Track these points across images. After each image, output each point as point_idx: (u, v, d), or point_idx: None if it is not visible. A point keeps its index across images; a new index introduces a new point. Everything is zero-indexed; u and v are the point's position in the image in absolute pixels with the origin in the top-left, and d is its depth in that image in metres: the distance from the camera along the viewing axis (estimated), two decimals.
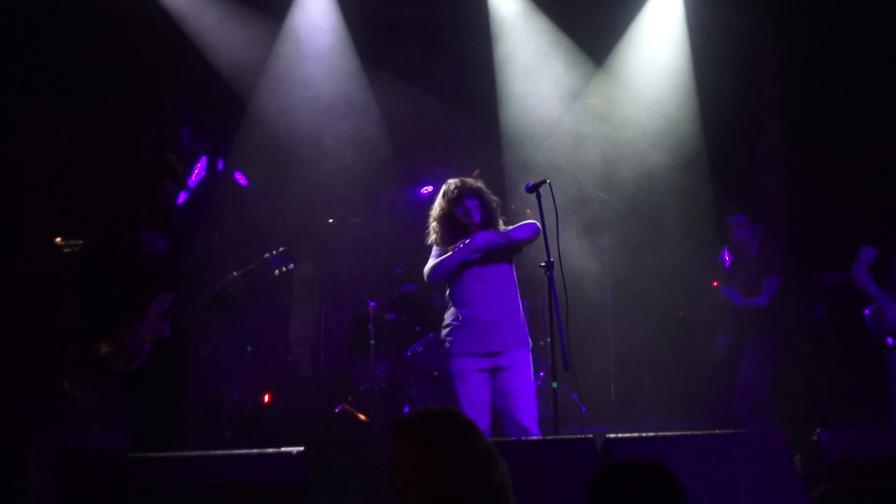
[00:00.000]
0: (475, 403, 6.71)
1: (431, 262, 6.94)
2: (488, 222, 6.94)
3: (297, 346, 11.19)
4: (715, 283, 9.28)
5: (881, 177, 9.31)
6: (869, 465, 5.98)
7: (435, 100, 10.88)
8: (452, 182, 6.96)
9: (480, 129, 10.91)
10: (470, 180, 6.98)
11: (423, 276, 7.00)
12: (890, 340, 7.92)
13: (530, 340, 6.97)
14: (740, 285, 9.08)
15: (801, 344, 9.75)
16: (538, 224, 6.76)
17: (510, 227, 6.95)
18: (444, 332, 6.92)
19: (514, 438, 6.62)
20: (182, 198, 10.33)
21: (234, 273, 7.17)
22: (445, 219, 6.94)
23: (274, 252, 7.50)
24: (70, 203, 9.78)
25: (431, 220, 7.01)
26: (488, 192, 7.00)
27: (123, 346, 6.86)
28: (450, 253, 6.84)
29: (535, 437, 6.57)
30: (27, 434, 4.03)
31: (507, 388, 6.75)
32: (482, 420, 6.67)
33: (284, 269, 7.52)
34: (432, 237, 7.00)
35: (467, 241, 6.78)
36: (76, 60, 9.88)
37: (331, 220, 11.19)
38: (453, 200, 6.89)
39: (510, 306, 6.88)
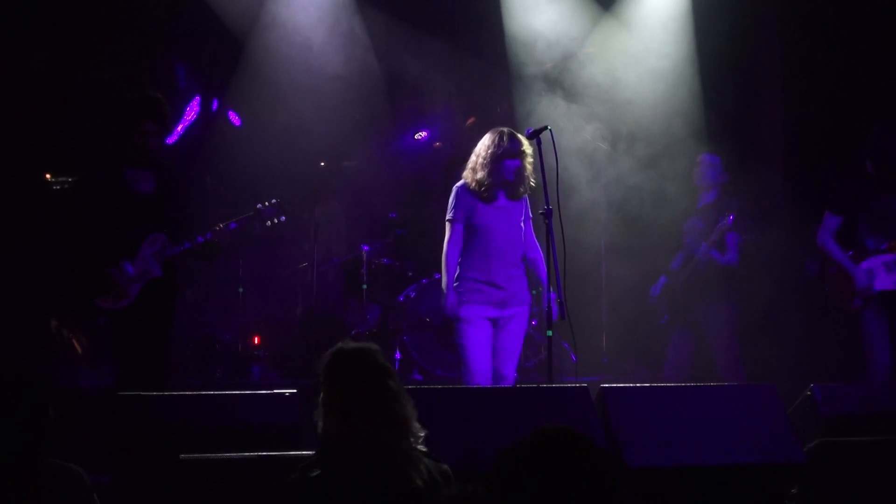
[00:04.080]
0: (483, 348, 6.96)
1: (449, 234, 7.08)
2: (517, 185, 7.04)
3: (288, 289, 11.15)
4: None
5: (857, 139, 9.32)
6: (861, 420, 6.01)
7: (433, 44, 10.78)
8: (507, 133, 6.99)
9: (478, 74, 10.82)
10: (521, 138, 6.99)
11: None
12: (857, 302, 7.92)
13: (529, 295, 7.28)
14: (696, 235, 8.99)
15: (793, 298, 9.73)
16: None
17: None
18: (461, 282, 7.05)
19: (511, 386, 6.86)
20: (173, 137, 10.27)
21: (221, 224, 7.11)
22: (493, 164, 6.96)
23: (266, 203, 7.45)
24: (60, 139, 9.69)
25: (480, 158, 7.03)
26: (529, 154, 7.01)
27: (112, 285, 6.81)
28: (447, 271, 7.03)
29: (527, 385, 6.63)
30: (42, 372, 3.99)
31: (502, 338, 7.06)
32: (487, 364, 6.94)
33: (276, 220, 7.50)
34: (475, 176, 7.02)
35: (453, 302, 7.00)
36: None
37: (322, 164, 11.12)
38: (505, 153, 6.95)
39: (521, 265, 7.17)
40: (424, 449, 3.91)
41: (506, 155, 6.91)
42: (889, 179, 7.84)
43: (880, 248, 7.84)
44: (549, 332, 6.68)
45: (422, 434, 3.91)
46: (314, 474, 3.76)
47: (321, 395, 3.89)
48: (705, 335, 8.94)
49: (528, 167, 7.00)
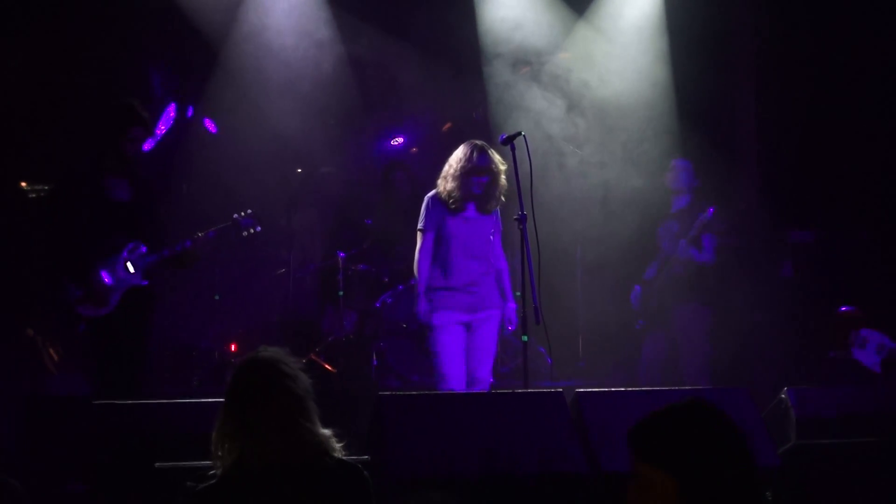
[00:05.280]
0: (456, 353, 7.07)
1: (420, 243, 7.22)
2: (486, 200, 7.15)
3: (265, 296, 11.13)
4: None
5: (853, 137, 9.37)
6: (835, 422, 6.05)
7: (408, 50, 10.80)
8: (478, 149, 7.09)
9: (454, 81, 10.83)
10: (492, 155, 7.09)
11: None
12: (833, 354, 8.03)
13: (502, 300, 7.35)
14: (672, 237, 8.98)
15: (767, 301, 9.78)
16: None
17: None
18: (431, 291, 7.17)
19: (486, 391, 6.91)
20: (149, 145, 10.24)
21: (200, 233, 7.11)
22: (462, 178, 7.07)
23: (242, 213, 7.45)
24: (36, 147, 9.65)
25: (451, 169, 7.13)
26: (502, 171, 7.09)
27: (94, 293, 6.79)
28: (419, 279, 7.19)
29: (501, 391, 6.66)
30: None
31: (475, 341, 7.17)
32: (461, 369, 7.05)
33: (252, 230, 7.50)
34: (446, 186, 7.14)
35: (425, 309, 7.13)
36: (45, 2, 9.71)
37: (299, 171, 11.11)
38: (474, 169, 7.05)
39: (490, 272, 7.26)
40: (340, 455, 3.71)
41: (473, 171, 7.03)
42: None
43: None
44: (525, 338, 6.75)
45: (333, 441, 3.71)
46: (212, 491, 3.60)
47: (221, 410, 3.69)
48: (678, 337, 8.94)
49: (502, 182, 7.10)
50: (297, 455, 3.60)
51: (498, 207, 7.25)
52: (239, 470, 3.58)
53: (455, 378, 6.96)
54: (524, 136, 6.81)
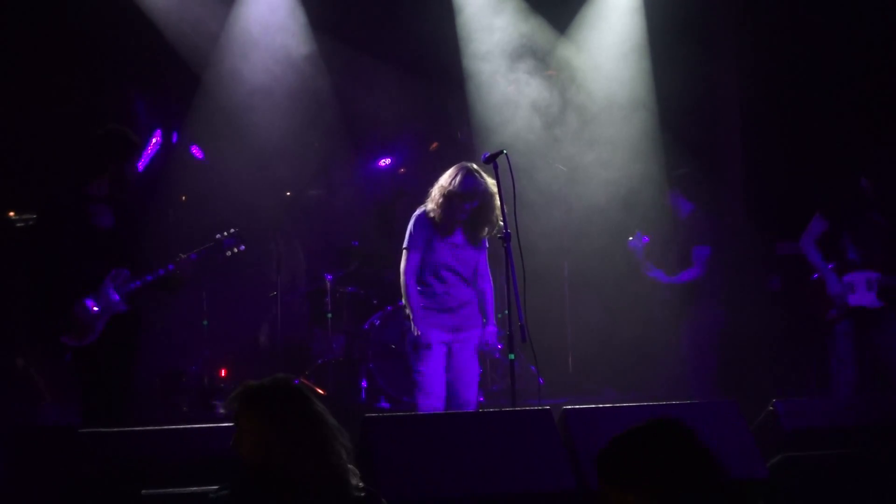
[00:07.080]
0: (440, 373, 7.00)
1: (405, 262, 7.10)
2: (474, 227, 7.08)
3: (254, 320, 11.13)
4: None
5: (838, 148, 9.41)
6: (824, 434, 6.05)
7: (393, 72, 10.83)
8: (465, 172, 6.97)
9: (439, 100, 10.85)
10: (481, 180, 6.96)
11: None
12: (833, 312, 8.05)
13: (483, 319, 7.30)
14: (673, 253, 9.01)
15: (756, 314, 9.79)
16: None
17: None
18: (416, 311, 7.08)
19: (473, 411, 6.91)
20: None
21: (182, 255, 7.10)
22: (447, 201, 6.98)
23: (225, 233, 7.42)
24: (22, 176, 9.64)
25: (437, 191, 7.03)
26: (493, 197, 6.93)
27: (77, 322, 6.77)
28: (411, 302, 7.03)
29: (488, 410, 6.67)
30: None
31: (457, 364, 7.09)
32: (442, 387, 7.00)
33: (236, 250, 7.47)
34: (430, 206, 7.05)
35: (418, 333, 6.98)
36: (28, 30, 9.72)
37: (288, 194, 11.12)
38: (458, 193, 6.93)
39: (472, 291, 7.21)
40: (355, 482, 3.77)
41: (457, 196, 6.93)
42: (882, 198, 8.05)
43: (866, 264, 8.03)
44: (512, 356, 6.69)
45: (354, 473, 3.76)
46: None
47: (243, 429, 3.76)
48: (682, 345, 8.99)
49: (494, 207, 6.93)
50: (321, 478, 3.66)
51: (486, 238, 7.19)
52: (262, 478, 3.65)
53: (437, 396, 6.91)
54: (506, 154, 6.76)
